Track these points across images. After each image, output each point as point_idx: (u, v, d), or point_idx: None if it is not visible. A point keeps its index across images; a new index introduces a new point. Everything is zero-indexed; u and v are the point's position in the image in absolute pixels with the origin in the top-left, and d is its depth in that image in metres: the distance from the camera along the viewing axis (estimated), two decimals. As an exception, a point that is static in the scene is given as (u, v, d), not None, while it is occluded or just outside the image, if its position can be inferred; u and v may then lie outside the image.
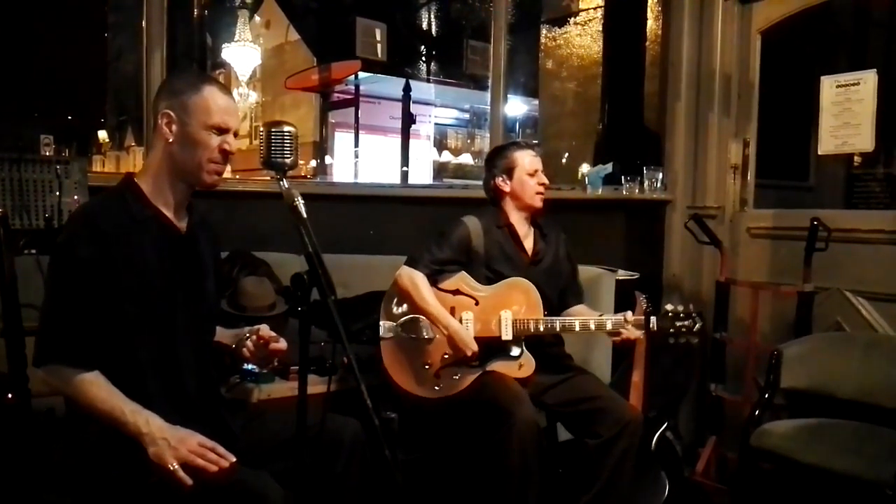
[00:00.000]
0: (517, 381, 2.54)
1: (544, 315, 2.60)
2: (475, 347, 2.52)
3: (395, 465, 1.51)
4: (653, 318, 2.54)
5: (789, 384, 2.77)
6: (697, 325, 2.55)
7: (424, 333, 2.59)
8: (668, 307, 2.57)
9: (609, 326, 2.55)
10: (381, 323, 2.62)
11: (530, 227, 2.78)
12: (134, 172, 1.80)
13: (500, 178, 2.73)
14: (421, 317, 2.60)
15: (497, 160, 2.76)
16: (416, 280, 2.58)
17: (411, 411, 2.64)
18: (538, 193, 2.70)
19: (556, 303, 2.71)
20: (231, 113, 1.76)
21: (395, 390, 2.57)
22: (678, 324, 2.54)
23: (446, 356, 2.58)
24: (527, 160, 2.71)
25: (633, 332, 2.53)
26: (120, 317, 1.65)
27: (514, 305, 2.60)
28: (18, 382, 2.12)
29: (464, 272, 2.65)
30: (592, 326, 2.57)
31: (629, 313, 2.55)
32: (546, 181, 2.72)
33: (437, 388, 2.56)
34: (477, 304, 2.60)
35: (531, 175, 2.69)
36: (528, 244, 2.76)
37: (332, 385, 1.83)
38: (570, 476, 2.65)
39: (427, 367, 2.57)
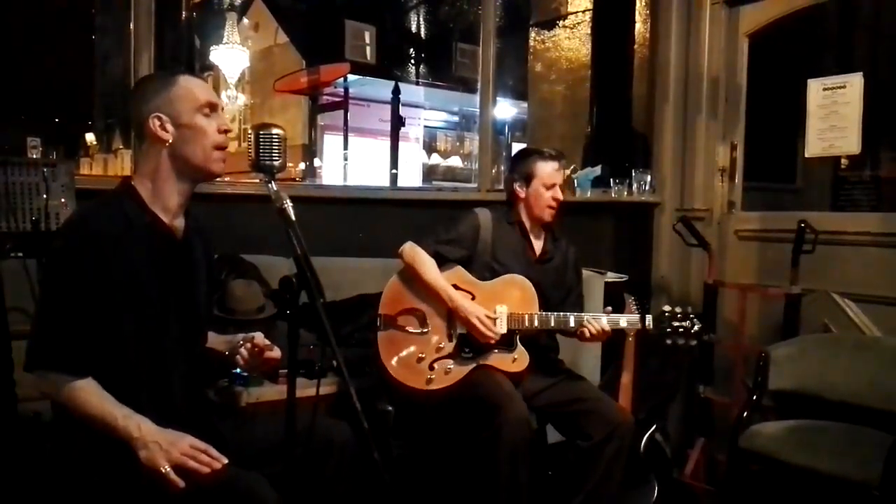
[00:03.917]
0: (511, 376, 2.55)
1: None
2: (482, 314, 2.53)
3: (385, 469, 1.50)
4: (648, 317, 2.55)
5: (777, 386, 2.78)
6: (696, 327, 2.53)
7: (419, 327, 2.60)
8: (666, 308, 2.57)
9: (604, 322, 2.56)
10: (379, 315, 2.62)
11: (542, 229, 2.80)
12: (132, 176, 1.77)
13: (518, 183, 2.74)
14: (416, 310, 2.60)
15: (519, 164, 2.77)
16: (418, 253, 2.59)
17: (405, 405, 2.64)
18: (550, 207, 2.70)
19: (556, 305, 2.71)
20: (211, 90, 1.79)
21: (389, 382, 2.57)
22: (675, 324, 2.53)
23: (440, 348, 2.59)
24: (546, 172, 2.69)
25: (604, 326, 2.55)
26: (113, 323, 1.64)
27: (509, 300, 2.61)
28: (5, 386, 2.11)
29: (460, 267, 2.66)
30: (586, 320, 2.57)
31: (608, 308, 2.62)
32: (560, 197, 2.71)
33: (429, 380, 2.56)
34: (473, 298, 2.61)
35: (547, 188, 2.69)
36: (538, 245, 2.78)
37: (321, 388, 1.82)
38: (560, 478, 2.66)
39: (421, 359, 2.58)
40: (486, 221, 2.70)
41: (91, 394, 1.59)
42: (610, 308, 2.66)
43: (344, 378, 1.47)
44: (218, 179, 1.89)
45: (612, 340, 2.71)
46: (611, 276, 3.41)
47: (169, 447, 1.54)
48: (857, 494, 2.27)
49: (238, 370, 2.39)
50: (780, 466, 2.50)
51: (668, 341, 2.54)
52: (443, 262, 2.64)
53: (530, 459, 2.38)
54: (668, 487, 2.84)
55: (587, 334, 2.54)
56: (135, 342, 1.67)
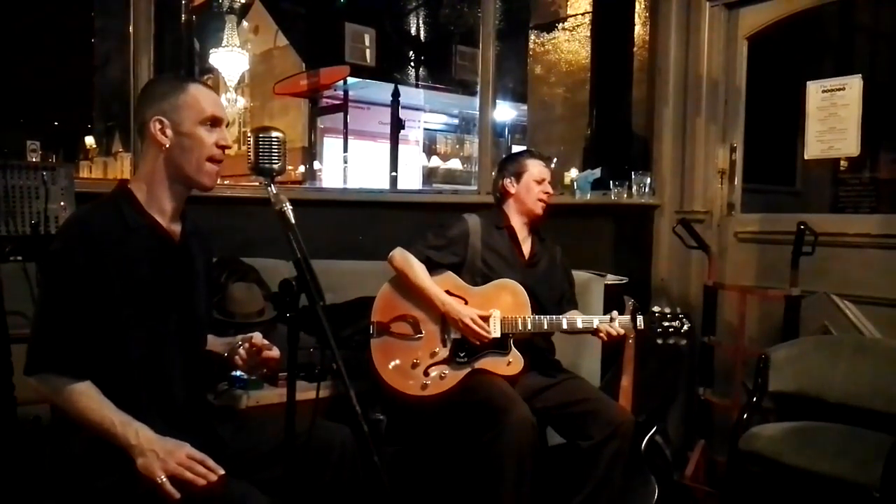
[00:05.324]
0: (506, 379, 2.55)
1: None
2: (474, 314, 2.55)
3: (385, 472, 1.50)
4: (640, 317, 2.59)
5: (777, 387, 2.78)
6: (685, 327, 2.59)
7: (412, 333, 2.60)
8: (656, 308, 2.62)
9: (596, 323, 2.58)
10: (372, 323, 2.62)
11: (529, 233, 2.83)
12: (128, 179, 1.78)
13: (509, 180, 2.80)
14: (409, 316, 2.61)
15: (509, 163, 2.85)
16: (408, 258, 2.61)
17: (401, 412, 2.64)
18: (540, 200, 2.77)
19: (549, 306, 2.72)
20: (219, 104, 1.77)
21: (384, 390, 2.57)
22: (665, 324, 2.58)
23: (434, 353, 2.59)
24: (536, 168, 2.79)
25: (618, 329, 2.57)
26: (112, 326, 1.63)
27: (502, 304, 2.62)
28: (4, 390, 2.11)
29: (451, 273, 2.67)
30: (579, 324, 2.59)
31: (615, 312, 2.60)
32: (550, 191, 2.80)
33: (424, 386, 2.56)
34: (466, 303, 2.62)
35: (538, 182, 2.77)
36: (526, 248, 2.81)
37: (321, 391, 1.82)
38: (561, 479, 2.65)
39: (415, 365, 2.58)
40: (476, 227, 2.73)
41: (91, 398, 1.59)
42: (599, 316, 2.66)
43: (344, 381, 1.47)
44: (218, 182, 1.89)
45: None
46: (610, 279, 3.41)
47: (166, 456, 1.54)
48: (857, 496, 2.27)
49: (238, 373, 2.40)
50: (780, 468, 2.50)
51: (660, 340, 2.60)
52: (433, 268, 2.65)
53: (533, 460, 2.38)
54: (668, 489, 2.84)
55: (605, 338, 2.59)
56: (134, 344, 1.67)
